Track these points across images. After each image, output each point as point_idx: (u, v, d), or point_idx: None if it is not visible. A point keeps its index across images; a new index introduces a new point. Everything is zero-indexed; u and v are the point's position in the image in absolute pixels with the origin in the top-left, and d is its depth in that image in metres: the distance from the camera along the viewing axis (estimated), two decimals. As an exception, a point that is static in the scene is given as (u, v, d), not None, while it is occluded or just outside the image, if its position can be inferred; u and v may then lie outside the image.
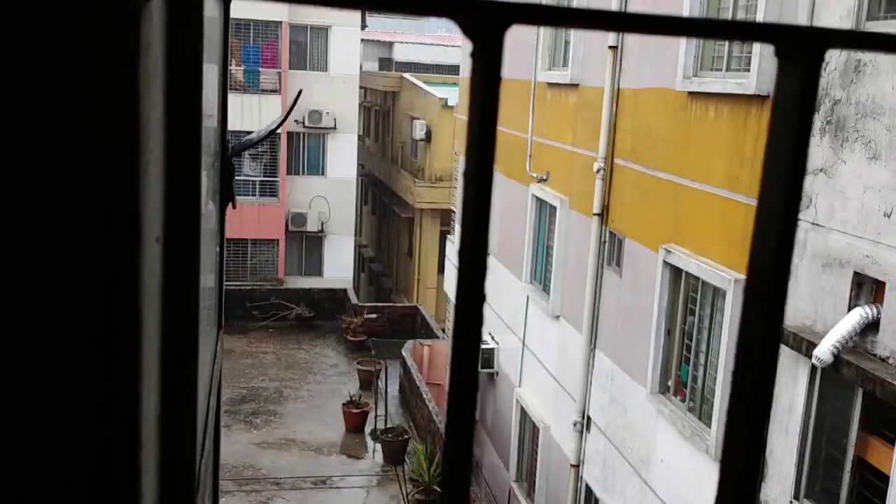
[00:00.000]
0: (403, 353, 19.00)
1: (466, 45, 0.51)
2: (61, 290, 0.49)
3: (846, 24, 6.21)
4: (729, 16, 8.02)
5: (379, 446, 16.60)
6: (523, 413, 13.12)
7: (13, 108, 0.46)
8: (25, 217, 0.47)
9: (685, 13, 8.38)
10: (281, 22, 24.98)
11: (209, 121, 1.35)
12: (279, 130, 24.90)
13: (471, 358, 0.51)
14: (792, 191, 0.55)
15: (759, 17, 7.22)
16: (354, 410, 17.37)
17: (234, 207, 1.72)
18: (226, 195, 1.61)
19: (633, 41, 9.81)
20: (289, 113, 2.61)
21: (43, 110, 0.47)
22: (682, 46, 8.49)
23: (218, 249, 1.59)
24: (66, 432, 0.51)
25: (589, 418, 10.83)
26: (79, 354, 0.50)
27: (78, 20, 0.45)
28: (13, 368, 0.49)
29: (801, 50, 0.54)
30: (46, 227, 0.48)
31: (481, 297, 0.56)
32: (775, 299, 0.57)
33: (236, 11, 24.87)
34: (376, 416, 17.33)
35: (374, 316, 22.73)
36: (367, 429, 17.44)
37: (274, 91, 25.06)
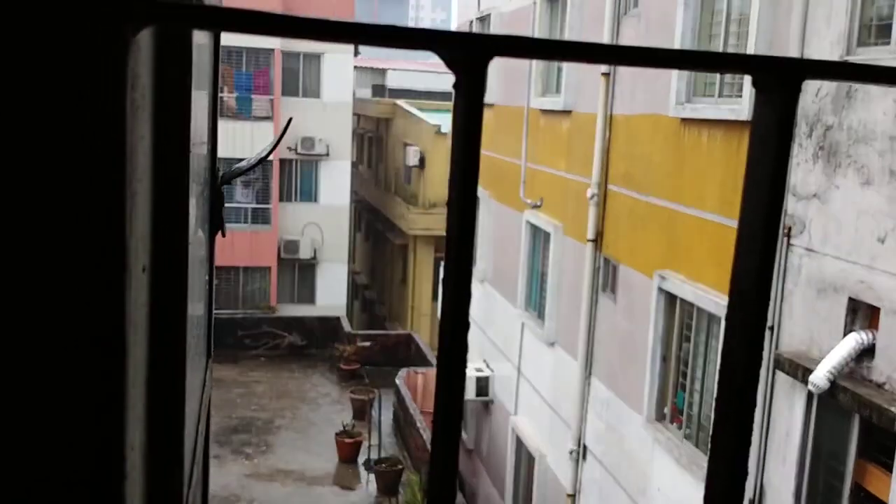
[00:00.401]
0: (397, 381, 18.90)
1: (451, 78, 0.52)
2: (46, 317, 0.49)
3: (837, 50, 6.28)
4: (720, 43, 8.10)
5: (373, 477, 16.44)
6: (519, 442, 13.04)
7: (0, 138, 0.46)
8: (9, 246, 0.47)
9: (677, 39, 8.47)
10: (273, 49, 25.13)
11: (199, 148, 1.35)
12: (271, 157, 24.96)
13: (457, 382, 0.51)
14: (770, 217, 0.55)
15: (751, 44, 7.30)
16: (347, 440, 17.23)
17: (223, 236, 1.72)
18: (215, 224, 1.61)
19: (625, 68, 9.90)
20: (278, 141, 2.63)
21: (29, 141, 0.47)
22: (675, 73, 8.57)
23: (207, 278, 1.59)
24: (48, 460, 0.50)
25: (585, 446, 10.77)
26: (63, 382, 0.50)
27: (65, 52, 0.46)
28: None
29: (779, 80, 0.55)
30: (30, 256, 0.48)
31: (465, 325, 0.56)
32: (756, 322, 0.57)
33: (228, 39, 25.06)
34: (370, 446, 17.19)
35: (367, 344, 22.63)
36: (361, 459, 17.28)
37: (266, 118, 25.15)
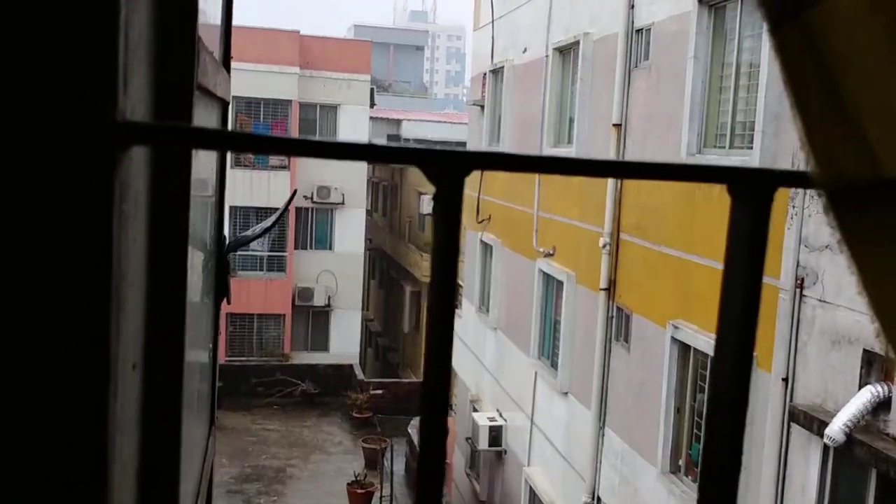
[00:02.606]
0: (409, 430, 18.74)
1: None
2: (27, 421, 0.50)
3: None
4: (731, 95, 8.15)
5: (385, 527, 16.22)
6: (532, 493, 12.85)
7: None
8: None
9: (687, 91, 8.55)
10: (291, 101, 25.52)
11: (203, 221, 1.38)
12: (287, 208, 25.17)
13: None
14: (746, 326, 0.56)
15: (760, 97, 7.34)
16: (359, 490, 17.05)
17: (228, 303, 1.74)
18: (220, 292, 1.64)
19: (636, 118, 9.97)
20: (283, 212, 2.67)
21: (13, 252, 0.49)
22: (686, 123, 8.63)
23: (211, 346, 1.61)
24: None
25: (599, 498, 10.60)
26: (45, 490, 0.51)
27: (53, 170, 0.48)
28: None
29: (752, 189, 0.56)
30: (8, 365, 0.49)
31: (444, 417, 0.57)
32: (735, 439, 0.58)
33: (247, 90, 25.46)
34: (381, 497, 16.98)
35: (379, 392, 22.52)
36: (373, 508, 17.07)
37: (283, 167, 25.42)
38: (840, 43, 0.52)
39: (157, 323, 0.68)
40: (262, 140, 0.52)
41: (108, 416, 0.52)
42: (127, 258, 0.57)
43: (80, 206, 0.48)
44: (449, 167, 0.52)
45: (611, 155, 10.32)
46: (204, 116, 1.22)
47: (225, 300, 1.68)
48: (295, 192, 3.38)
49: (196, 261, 1.19)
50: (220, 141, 0.52)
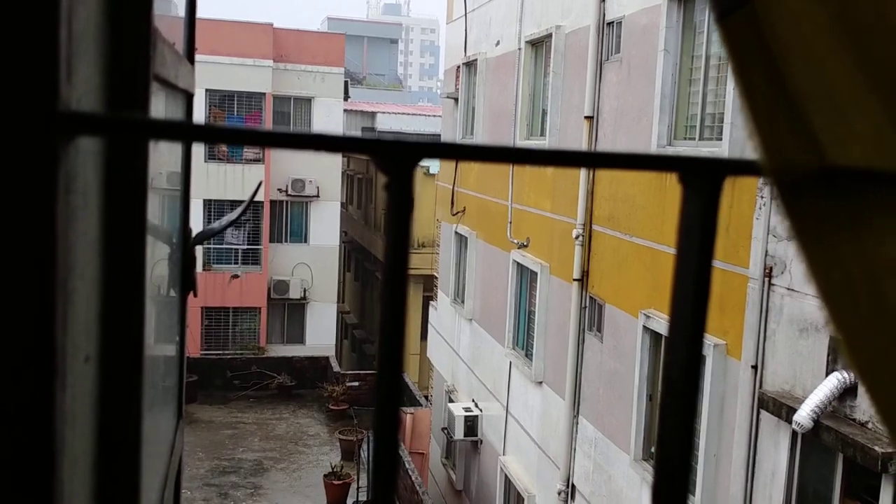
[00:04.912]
0: (386, 421, 18.69)
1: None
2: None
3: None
4: (700, 87, 8.22)
5: (362, 518, 16.24)
6: (508, 482, 12.93)
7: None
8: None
9: (657, 84, 8.60)
10: (265, 93, 25.34)
11: (166, 218, 1.37)
12: (261, 199, 25.02)
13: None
14: (697, 306, 0.57)
15: (729, 88, 7.41)
16: (336, 482, 17.04)
17: (195, 296, 1.73)
18: (187, 285, 1.63)
19: (608, 110, 10.02)
20: (248, 205, 2.66)
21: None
22: (656, 116, 8.68)
23: (178, 338, 1.60)
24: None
25: (573, 486, 10.69)
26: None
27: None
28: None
29: (702, 178, 0.57)
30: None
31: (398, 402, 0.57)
32: (686, 420, 0.58)
33: (220, 83, 25.23)
34: (358, 488, 17.00)
35: (356, 384, 22.50)
36: (350, 501, 17.08)
37: (257, 160, 25.25)
38: (785, 32, 0.53)
39: (114, 315, 0.68)
40: (212, 130, 0.52)
41: (53, 406, 0.51)
42: (75, 250, 0.57)
43: (21, 197, 0.47)
44: (398, 156, 0.52)
45: (583, 148, 10.36)
46: (165, 108, 1.21)
47: (192, 293, 1.67)
48: (260, 183, 3.37)
49: (159, 253, 1.18)
50: (171, 131, 0.52)
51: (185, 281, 1.58)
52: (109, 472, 0.72)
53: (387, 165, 0.52)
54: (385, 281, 0.56)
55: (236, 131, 0.51)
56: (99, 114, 0.44)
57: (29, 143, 0.46)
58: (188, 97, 1.66)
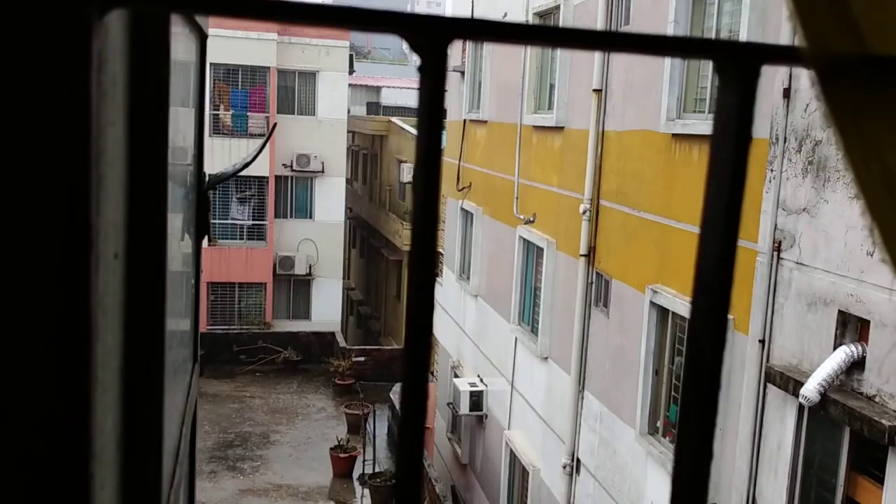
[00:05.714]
0: (392, 396, 18.84)
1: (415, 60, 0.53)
2: (8, 297, 0.49)
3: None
4: (713, 27, 8.13)
5: (367, 491, 16.37)
6: (513, 456, 13.00)
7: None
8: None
9: (670, 20, 8.52)
10: (269, 67, 25.22)
11: (184, 156, 1.36)
12: (267, 174, 24.99)
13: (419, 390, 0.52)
14: (732, 205, 0.56)
15: (744, 28, 7.30)
16: (342, 455, 17.16)
17: (209, 242, 1.73)
18: (202, 228, 1.62)
19: (617, 84, 9.95)
20: (263, 146, 2.65)
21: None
22: (665, 89, 8.62)
23: (194, 282, 1.60)
24: (8, 442, 0.50)
25: (578, 460, 10.74)
26: (26, 368, 0.50)
27: (26, 35, 0.46)
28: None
29: (738, 65, 0.56)
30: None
31: (428, 338, 0.56)
32: (719, 311, 0.58)
33: (225, 57, 25.11)
34: (364, 461, 17.12)
35: (362, 359, 22.60)
36: (356, 474, 17.21)
37: (262, 135, 25.18)
38: None
39: (140, 212, 0.67)
40: (236, 1, 0.50)
41: (89, 294, 0.51)
42: (102, 136, 0.56)
43: (58, 68, 0.47)
44: (432, 33, 0.51)
45: (591, 122, 10.31)
46: (182, 48, 1.20)
47: (206, 238, 1.66)
48: (275, 125, 3.35)
49: (179, 190, 1.18)
50: (195, 2, 0.50)
51: (200, 224, 1.58)
52: (136, 392, 0.72)
53: (420, 42, 0.51)
54: (417, 167, 0.55)
55: (262, 4, 0.49)
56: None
57: (64, 16, 0.45)
58: (202, 37, 1.64)
